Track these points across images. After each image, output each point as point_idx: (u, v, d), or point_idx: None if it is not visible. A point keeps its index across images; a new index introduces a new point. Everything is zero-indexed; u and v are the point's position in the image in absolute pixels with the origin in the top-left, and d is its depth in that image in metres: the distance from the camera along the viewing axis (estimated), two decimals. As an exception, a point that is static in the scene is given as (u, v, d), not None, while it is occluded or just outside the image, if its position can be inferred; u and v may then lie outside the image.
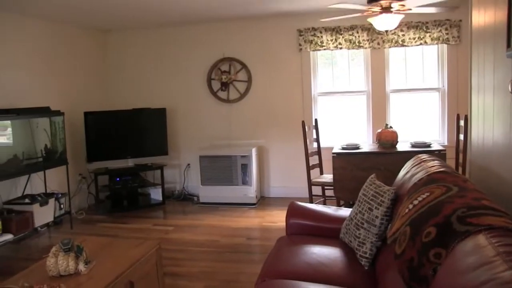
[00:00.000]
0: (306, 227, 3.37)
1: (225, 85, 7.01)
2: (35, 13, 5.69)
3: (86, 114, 6.44)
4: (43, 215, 5.28)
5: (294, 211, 3.47)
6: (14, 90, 5.60)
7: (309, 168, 5.75)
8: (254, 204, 6.54)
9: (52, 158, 5.60)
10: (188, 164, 7.26)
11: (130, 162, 6.70)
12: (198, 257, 4.68)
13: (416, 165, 3.00)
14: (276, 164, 7.01)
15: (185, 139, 7.32)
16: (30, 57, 5.89)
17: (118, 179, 6.57)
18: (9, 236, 4.77)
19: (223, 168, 6.57)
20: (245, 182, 6.53)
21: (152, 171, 7.01)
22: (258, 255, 4.77)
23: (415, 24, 6.16)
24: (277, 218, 5.88)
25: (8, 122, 5.02)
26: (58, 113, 5.65)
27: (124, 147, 6.70)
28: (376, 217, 2.83)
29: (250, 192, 6.54)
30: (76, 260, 2.68)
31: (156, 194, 6.97)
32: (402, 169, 3.27)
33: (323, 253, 2.98)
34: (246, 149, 6.59)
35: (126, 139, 6.74)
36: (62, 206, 5.69)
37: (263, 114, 6.96)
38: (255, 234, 5.45)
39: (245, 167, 6.49)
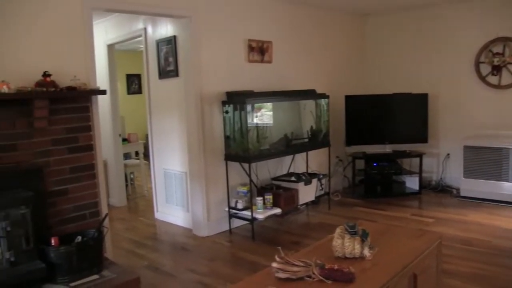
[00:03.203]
0: None
1: (497, 69, 6.30)
2: (299, 0, 5.90)
3: (347, 97, 6.48)
4: (306, 193, 5.48)
5: None
6: (285, 73, 5.92)
7: None
8: (526, 204, 5.78)
9: (316, 140, 5.78)
10: (448, 154, 6.76)
11: (387, 148, 6.54)
12: (468, 256, 4.28)
13: None
14: (555, 161, 6.05)
15: (446, 127, 6.82)
16: (298, 42, 6.15)
17: (375, 164, 6.47)
18: (278, 210, 5.07)
19: (491, 161, 5.91)
20: (516, 179, 5.79)
21: (409, 158, 6.73)
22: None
23: None
24: (558, 223, 5.08)
25: (281, 103, 5.32)
26: (324, 96, 5.78)
27: (382, 132, 6.57)
28: None
29: (522, 190, 5.78)
30: (362, 244, 2.62)
31: (411, 183, 6.68)
32: None
33: None
34: (520, 141, 5.83)
35: (384, 124, 6.59)
36: (322, 187, 5.84)
37: (542, 102, 6.06)
38: (532, 239, 4.79)
39: (518, 162, 5.75)
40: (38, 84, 3.52)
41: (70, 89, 3.65)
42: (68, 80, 3.72)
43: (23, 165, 3.55)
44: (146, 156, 7.68)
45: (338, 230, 2.73)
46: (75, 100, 3.82)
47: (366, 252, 2.62)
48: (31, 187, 3.48)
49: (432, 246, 2.87)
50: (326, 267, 2.39)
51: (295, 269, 2.41)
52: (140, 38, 6.30)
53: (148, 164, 7.91)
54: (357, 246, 2.61)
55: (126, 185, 7.16)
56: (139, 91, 11.68)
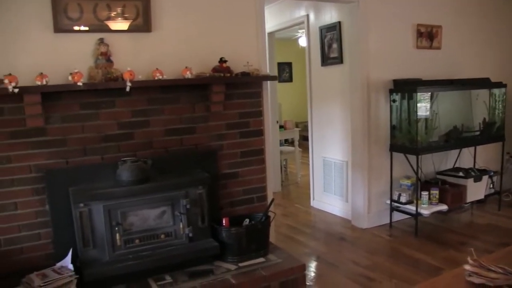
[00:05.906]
0: None
1: None
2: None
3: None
4: (475, 191, 5.07)
5: None
6: (455, 60, 5.51)
7: None
8: None
9: (488, 133, 5.31)
10: None
11: None
12: None
13: None
14: None
15: None
16: (468, 26, 5.67)
17: (557, 163, 5.80)
18: (444, 207, 4.76)
19: None
20: None
21: None
22: None
23: None
24: None
25: (451, 93, 4.98)
26: (500, 84, 5.28)
27: None
28: None
29: None
30: None
31: None
32: None
33: None
34: None
35: None
36: (493, 185, 5.37)
37: None
38: None
39: None
40: (215, 69, 3.65)
41: (244, 74, 3.73)
42: (240, 66, 3.80)
43: (200, 147, 3.73)
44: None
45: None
46: (248, 86, 3.90)
47: None
48: (206, 169, 3.65)
49: None
50: (530, 276, 2.14)
51: (493, 275, 2.19)
52: (298, 26, 6.30)
53: (302, 152, 8.00)
54: None
55: (280, 171, 7.26)
56: (289, 79, 11.82)
